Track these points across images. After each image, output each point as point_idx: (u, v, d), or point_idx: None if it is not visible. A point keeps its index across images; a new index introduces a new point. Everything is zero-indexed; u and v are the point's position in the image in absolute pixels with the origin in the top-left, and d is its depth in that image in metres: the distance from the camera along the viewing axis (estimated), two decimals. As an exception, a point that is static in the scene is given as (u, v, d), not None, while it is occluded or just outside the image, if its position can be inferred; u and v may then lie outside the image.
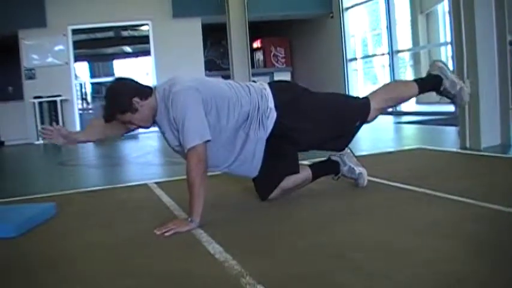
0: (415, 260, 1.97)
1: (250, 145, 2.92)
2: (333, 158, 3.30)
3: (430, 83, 3.25)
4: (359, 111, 3.13)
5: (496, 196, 2.83)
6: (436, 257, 1.97)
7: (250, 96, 2.91)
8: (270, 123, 2.92)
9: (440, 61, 3.29)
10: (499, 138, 4.72)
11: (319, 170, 3.26)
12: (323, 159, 3.38)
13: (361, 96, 3.29)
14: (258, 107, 2.90)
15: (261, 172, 3.01)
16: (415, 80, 3.32)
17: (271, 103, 2.93)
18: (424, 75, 3.41)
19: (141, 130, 2.96)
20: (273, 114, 2.92)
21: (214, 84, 2.89)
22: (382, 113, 3.22)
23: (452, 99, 3.30)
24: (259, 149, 2.94)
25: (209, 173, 2.77)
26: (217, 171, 3.03)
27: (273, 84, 3.08)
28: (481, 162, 4.18)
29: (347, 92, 11.32)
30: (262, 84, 3.05)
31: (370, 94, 3.22)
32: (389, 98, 3.23)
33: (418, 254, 2.03)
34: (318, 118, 3.02)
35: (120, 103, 2.74)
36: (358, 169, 3.30)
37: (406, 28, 11.14)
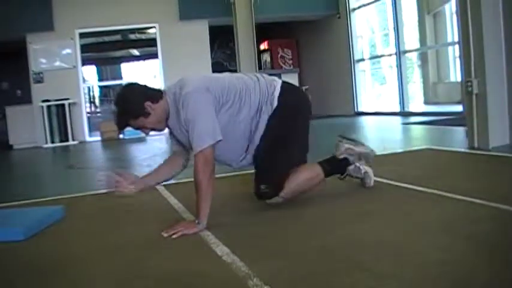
0: (424, 260, 1.96)
1: (260, 128, 2.92)
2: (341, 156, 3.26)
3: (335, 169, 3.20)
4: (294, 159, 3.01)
5: (506, 196, 2.81)
6: (445, 257, 1.96)
7: (260, 85, 2.94)
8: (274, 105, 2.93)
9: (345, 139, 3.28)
10: (507, 137, 4.70)
11: (330, 167, 3.18)
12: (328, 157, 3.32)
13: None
14: (266, 92, 2.93)
15: (265, 164, 2.96)
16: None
17: (277, 92, 2.95)
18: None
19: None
20: (274, 104, 2.93)
21: (224, 80, 2.90)
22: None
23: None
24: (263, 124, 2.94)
25: (215, 175, 2.77)
26: (235, 166, 3.01)
27: (287, 83, 3.11)
28: (489, 162, 4.16)
29: (355, 93, 11.32)
30: (274, 78, 3.08)
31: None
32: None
33: (427, 254, 2.03)
34: (291, 136, 3.00)
35: (133, 108, 2.74)
36: (364, 168, 3.29)
37: (413, 28, 11.11)
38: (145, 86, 2.85)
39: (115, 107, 2.81)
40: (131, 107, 2.74)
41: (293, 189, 2.95)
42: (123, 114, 2.77)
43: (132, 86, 2.89)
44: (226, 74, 3.06)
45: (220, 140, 2.70)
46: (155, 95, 2.79)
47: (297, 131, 3.05)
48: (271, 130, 2.93)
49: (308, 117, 3.14)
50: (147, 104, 2.73)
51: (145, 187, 3.00)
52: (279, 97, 2.94)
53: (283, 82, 3.07)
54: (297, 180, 2.94)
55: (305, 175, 2.99)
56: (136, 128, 2.85)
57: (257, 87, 2.93)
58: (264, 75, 3.09)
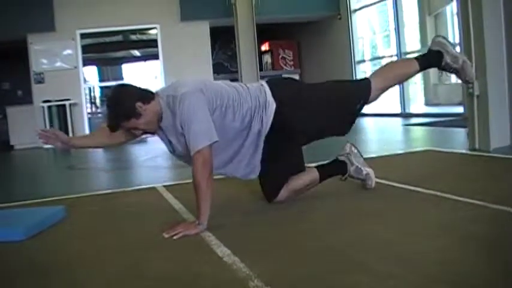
0: (425, 261, 1.96)
1: (250, 140, 2.93)
2: (340, 158, 3.30)
3: (430, 59, 3.27)
4: (359, 93, 3.14)
5: (507, 198, 2.81)
6: (446, 258, 1.96)
7: (250, 93, 2.94)
8: (270, 115, 2.92)
9: (442, 36, 3.32)
10: (508, 139, 4.69)
11: (327, 170, 3.25)
12: (329, 160, 3.38)
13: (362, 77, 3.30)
14: (259, 101, 2.92)
15: (266, 173, 3.01)
16: (416, 58, 3.34)
17: (269, 96, 2.94)
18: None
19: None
20: (272, 107, 2.92)
21: (217, 84, 2.93)
22: (383, 92, 3.22)
23: (456, 74, 3.30)
24: (259, 144, 2.94)
25: (216, 176, 2.77)
26: (217, 172, 3.01)
27: (270, 80, 3.13)
28: (490, 164, 4.16)
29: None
30: (259, 81, 3.11)
31: (371, 74, 3.26)
32: (390, 77, 3.25)
33: (427, 255, 2.03)
34: (318, 107, 3.04)
35: (124, 110, 2.74)
36: (365, 169, 3.29)
37: (414, 30, 11.11)
38: (136, 87, 2.87)
39: (107, 108, 2.84)
40: (122, 108, 2.75)
41: (289, 195, 3.09)
42: (115, 115, 2.79)
43: (123, 87, 2.94)
44: (219, 81, 3.09)
45: (216, 141, 2.70)
46: (146, 96, 2.79)
47: (316, 113, 3.06)
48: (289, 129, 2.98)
49: (310, 87, 3.23)
50: (138, 104, 2.73)
51: (72, 147, 3.31)
52: (273, 97, 2.94)
53: (266, 82, 3.07)
54: (295, 186, 3.11)
55: (303, 181, 3.13)
56: (128, 129, 2.86)
57: (248, 96, 2.92)
58: (252, 83, 3.12)
